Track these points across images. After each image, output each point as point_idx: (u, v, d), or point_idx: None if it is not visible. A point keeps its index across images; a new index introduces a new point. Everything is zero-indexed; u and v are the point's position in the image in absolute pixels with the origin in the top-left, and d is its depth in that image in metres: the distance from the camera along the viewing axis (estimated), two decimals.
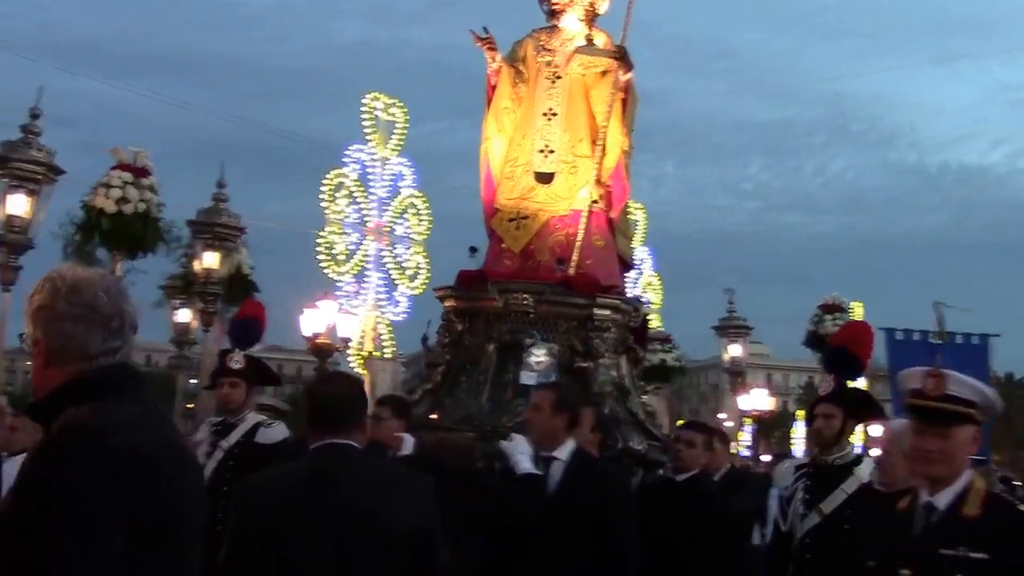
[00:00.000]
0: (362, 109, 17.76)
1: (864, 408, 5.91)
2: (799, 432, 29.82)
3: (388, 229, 17.88)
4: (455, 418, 8.39)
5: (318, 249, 17.26)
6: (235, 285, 14.96)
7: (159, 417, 2.45)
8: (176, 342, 18.13)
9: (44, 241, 10.75)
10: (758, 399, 20.54)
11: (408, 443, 6.60)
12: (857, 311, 17.94)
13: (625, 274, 9.79)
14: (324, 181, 17.40)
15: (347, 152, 17.65)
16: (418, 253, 18.09)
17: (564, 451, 5.70)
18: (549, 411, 5.66)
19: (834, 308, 16.76)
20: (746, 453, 19.52)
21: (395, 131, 17.96)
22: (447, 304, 9.18)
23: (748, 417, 20.74)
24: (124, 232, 10.71)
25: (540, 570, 5.47)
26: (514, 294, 8.72)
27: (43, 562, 2.04)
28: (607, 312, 8.79)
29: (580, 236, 9.04)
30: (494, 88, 9.49)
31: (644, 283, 18.68)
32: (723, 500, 6.89)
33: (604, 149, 9.23)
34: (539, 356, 8.58)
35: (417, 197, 18.23)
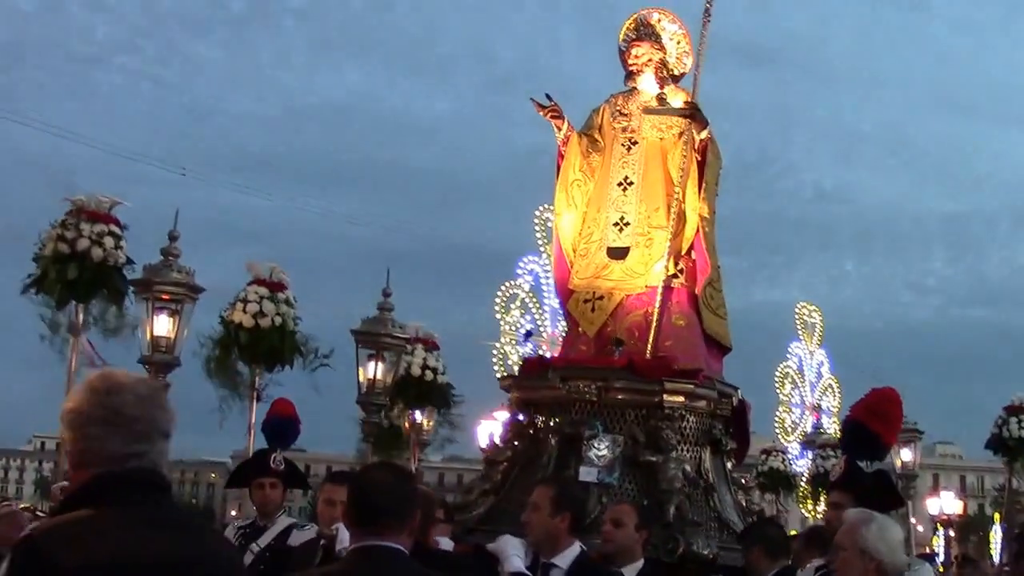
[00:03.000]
0: (534, 221, 17.50)
1: (880, 496, 4.80)
2: (998, 535, 28.15)
3: (562, 340, 17.31)
4: (506, 521, 7.50)
5: (493, 360, 16.91)
6: (427, 389, 14.23)
7: (148, 527, 2.33)
8: None
9: (186, 357, 10.95)
10: (947, 502, 19.34)
11: (446, 548, 6.00)
12: None
13: (720, 356, 8.59)
14: (498, 292, 17.17)
15: (521, 263, 17.40)
16: None
17: (566, 558, 4.85)
18: (549, 510, 4.88)
19: (1020, 409, 14.63)
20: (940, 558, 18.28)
21: None
22: (511, 395, 8.39)
23: (939, 522, 19.55)
24: (261, 345, 10.71)
25: None
26: (575, 381, 7.81)
27: None
28: (679, 399, 7.70)
29: (656, 316, 8.04)
30: (563, 158, 8.76)
31: (823, 386, 17.13)
32: None
33: (682, 217, 8.25)
34: (600, 449, 7.58)
35: None
